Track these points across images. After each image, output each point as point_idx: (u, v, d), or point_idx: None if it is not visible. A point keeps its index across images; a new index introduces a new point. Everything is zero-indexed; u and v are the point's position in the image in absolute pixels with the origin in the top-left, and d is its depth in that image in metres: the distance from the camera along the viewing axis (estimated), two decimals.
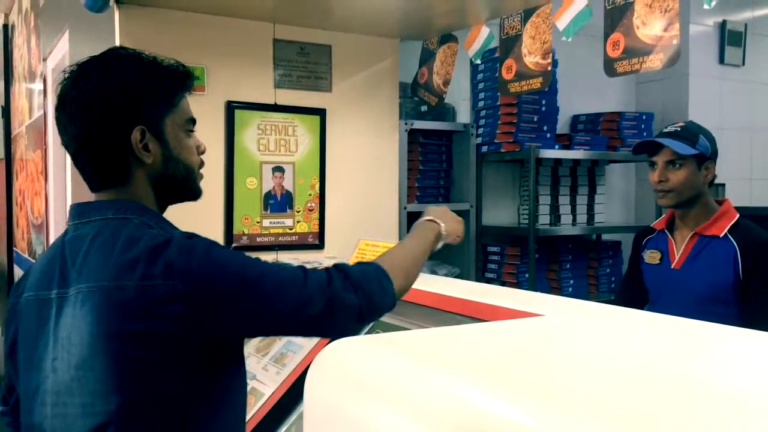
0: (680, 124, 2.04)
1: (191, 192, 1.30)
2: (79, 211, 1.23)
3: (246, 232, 2.42)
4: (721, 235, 1.97)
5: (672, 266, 2.05)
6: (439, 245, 1.48)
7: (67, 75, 1.22)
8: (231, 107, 2.38)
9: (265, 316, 1.18)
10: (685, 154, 1.96)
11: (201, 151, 1.31)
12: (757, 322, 1.72)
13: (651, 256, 2.11)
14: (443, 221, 1.47)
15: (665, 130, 2.04)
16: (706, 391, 0.80)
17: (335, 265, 1.25)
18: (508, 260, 3.35)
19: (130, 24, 2.23)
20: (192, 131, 1.29)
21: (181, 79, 1.25)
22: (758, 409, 0.73)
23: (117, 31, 2.22)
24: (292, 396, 1.82)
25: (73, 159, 1.24)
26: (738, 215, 2.02)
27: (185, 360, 1.13)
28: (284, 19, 2.44)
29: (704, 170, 2.00)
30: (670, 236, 2.09)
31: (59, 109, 1.21)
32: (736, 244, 1.95)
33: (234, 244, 2.39)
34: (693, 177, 1.98)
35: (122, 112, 1.18)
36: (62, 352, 1.15)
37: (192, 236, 1.19)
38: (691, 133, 2.00)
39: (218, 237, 2.36)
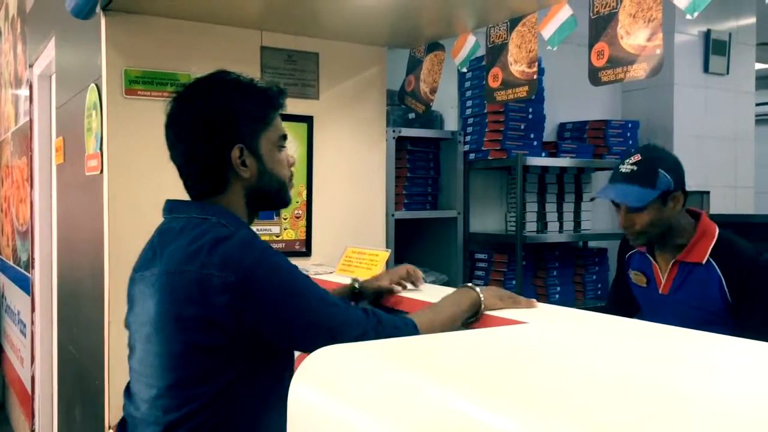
0: (636, 158, 1.87)
1: (282, 202, 1.44)
2: (170, 207, 1.38)
3: None
4: (704, 262, 1.88)
5: (660, 291, 1.98)
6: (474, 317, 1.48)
7: (174, 95, 1.36)
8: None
9: (304, 326, 1.25)
10: (644, 204, 1.83)
11: (291, 164, 1.43)
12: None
13: (637, 278, 2.06)
14: (483, 292, 1.49)
15: (621, 171, 1.88)
16: (692, 398, 0.80)
17: (372, 310, 1.34)
18: (495, 267, 3.36)
19: (116, 31, 2.22)
20: (283, 146, 1.41)
21: (274, 99, 1.39)
22: (743, 416, 0.73)
23: (103, 38, 2.21)
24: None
25: (179, 171, 1.37)
26: (717, 232, 1.91)
27: (232, 351, 1.23)
28: (271, 27, 2.44)
29: (671, 202, 1.86)
30: (653, 260, 2.00)
31: (168, 126, 1.36)
32: (719, 270, 1.85)
33: None
34: (659, 215, 1.86)
35: (223, 132, 1.32)
36: (139, 327, 1.31)
37: (256, 236, 1.30)
38: (649, 171, 1.83)
39: None
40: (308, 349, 1.34)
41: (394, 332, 1.29)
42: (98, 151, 2.28)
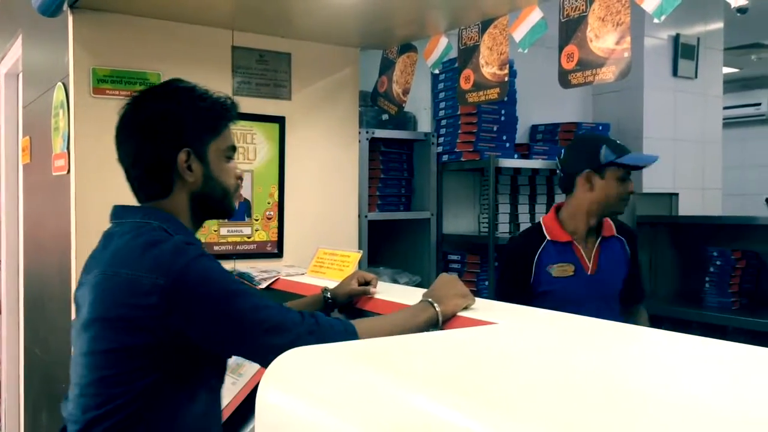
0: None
1: (225, 210, 1.46)
2: (116, 212, 1.41)
3: (203, 240, 2.39)
4: (616, 234, 2.21)
5: (588, 273, 2.14)
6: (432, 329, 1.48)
7: (129, 100, 1.40)
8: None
9: (233, 329, 1.26)
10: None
11: (238, 176, 1.46)
12: (629, 300, 2.25)
13: (562, 270, 2.14)
14: (443, 303, 1.48)
15: (621, 143, 2.18)
16: (659, 397, 0.81)
17: (312, 313, 1.35)
18: (468, 268, 3.37)
19: (84, 29, 2.19)
20: (231, 157, 1.44)
21: (226, 110, 1.42)
22: (706, 415, 0.74)
23: (71, 36, 2.18)
24: (249, 407, 1.79)
25: (126, 173, 1.40)
26: None
27: (157, 353, 1.25)
28: (243, 27, 2.43)
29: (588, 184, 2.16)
30: (576, 245, 2.15)
31: (118, 129, 1.39)
32: (623, 238, 2.23)
33: None
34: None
35: (171, 135, 1.35)
36: (78, 325, 1.34)
37: (193, 244, 1.32)
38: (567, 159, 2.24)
39: None
40: (241, 353, 1.35)
41: (331, 336, 1.29)
42: (65, 150, 2.24)
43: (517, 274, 2.16)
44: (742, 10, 4.68)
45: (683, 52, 4.03)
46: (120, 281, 1.26)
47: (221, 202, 1.43)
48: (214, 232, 2.41)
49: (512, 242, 2.46)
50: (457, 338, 1.17)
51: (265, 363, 1.40)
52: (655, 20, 1.67)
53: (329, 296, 1.81)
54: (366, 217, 2.99)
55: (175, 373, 1.27)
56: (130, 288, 1.24)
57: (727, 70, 5.18)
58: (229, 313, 1.25)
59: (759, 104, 6.73)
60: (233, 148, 1.45)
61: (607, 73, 1.84)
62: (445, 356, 1.04)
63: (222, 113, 1.41)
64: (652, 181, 3.91)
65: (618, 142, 2.17)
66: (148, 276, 1.23)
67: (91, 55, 2.20)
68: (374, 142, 3.07)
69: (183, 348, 1.26)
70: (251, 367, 1.88)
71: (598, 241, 2.17)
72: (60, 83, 2.30)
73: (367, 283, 1.80)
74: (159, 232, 1.31)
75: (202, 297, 1.24)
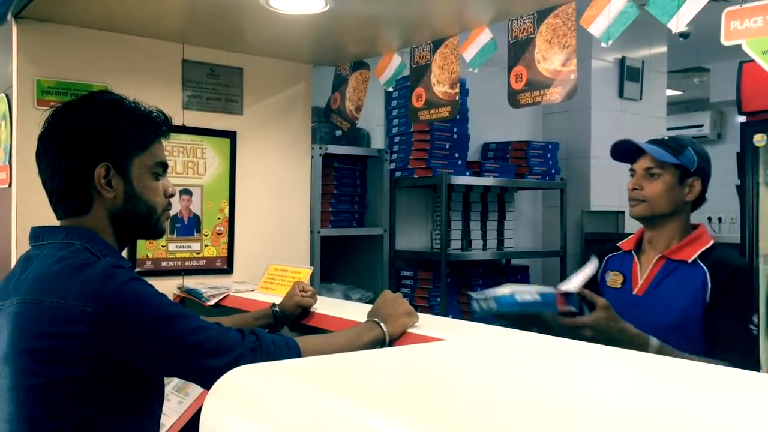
0: (669, 135, 1.91)
1: (152, 231, 1.38)
2: (35, 234, 1.33)
3: (150, 256, 2.34)
4: (690, 261, 1.77)
5: (634, 292, 1.85)
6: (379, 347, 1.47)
7: (50, 112, 1.33)
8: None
9: (171, 354, 1.20)
10: (665, 162, 1.78)
11: (169, 194, 1.39)
12: (718, 352, 1.66)
13: (614, 279, 1.92)
14: (389, 322, 1.47)
15: (653, 138, 1.89)
16: (602, 414, 0.83)
17: (252, 330, 1.30)
18: (420, 284, 3.39)
19: (29, 39, 2.13)
20: (161, 174, 1.37)
21: (155, 125, 1.35)
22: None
23: (14, 47, 2.12)
24: (194, 426, 1.76)
25: (44, 187, 1.34)
26: (713, 241, 1.82)
27: (90, 383, 1.17)
28: (194, 41, 2.40)
29: (686, 186, 1.80)
30: (636, 258, 1.89)
31: (38, 140, 1.33)
32: (706, 269, 1.74)
33: (137, 269, 2.30)
34: (670, 190, 1.79)
35: (88, 148, 1.28)
36: None
37: (123, 267, 1.24)
38: (679, 143, 1.81)
39: None
40: (183, 376, 1.30)
41: (274, 354, 1.26)
42: (7, 163, 2.18)
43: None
44: (684, 35, 4.86)
45: (629, 74, 4.16)
46: (44, 309, 1.17)
47: (146, 222, 1.35)
48: (162, 248, 2.36)
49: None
50: (405, 355, 1.17)
51: (207, 385, 1.36)
52: (603, 44, 1.72)
53: (278, 310, 1.79)
54: (318, 233, 2.98)
55: (111, 403, 1.20)
56: (56, 317, 1.16)
57: (670, 92, 5.36)
58: (165, 338, 1.19)
59: (701, 126, 6.98)
60: (162, 165, 1.37)
61: (554, 94, 1.88)
62: (392, 373, 1.04)
63: (149, 128, 1.34)
64: (599, 199, 4.01)
65: None
66: (75, 303, 1.16)
67: (36, 66, 2.15)
68: (327, 158, 3.07)
69: (117, 377, 1.19)
70: (197, 387, 1.84)
71: (656, 259, 1.83)
72: (2, 94, 2.24)
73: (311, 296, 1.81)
74: (84, 254, 1.24)
75: (134, 323, 1.18)
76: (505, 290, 1.61)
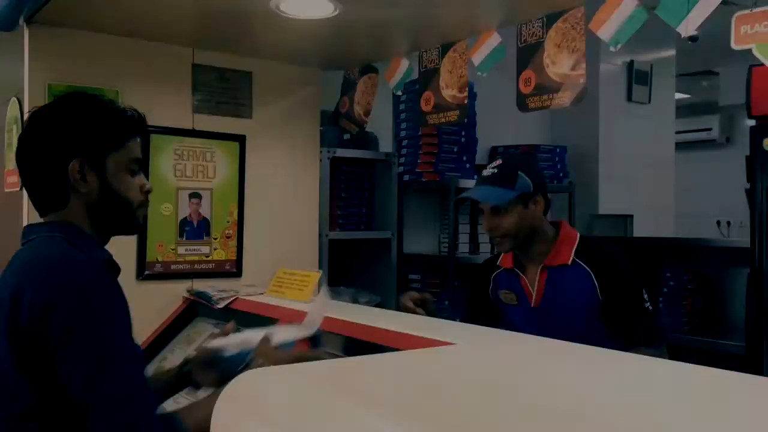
0: (498, 162, 1.98)
1: (129, 226, 1.43)
2: (25, 231, 1.38)
3: (160, 259, 2.35)
4: (570, 262, 1.91)
5: (532, 305, 1.96)
6: None
7: (29, 113, 1.38)
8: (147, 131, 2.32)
9: (85, 369, 1.17)
10: (503, 203, 1.90)
11: (145, 190, 1.42)
12: (642, 341, 1.80)
13: (507, 297, 2.03)
14: None
15: (484, 174, 1.97)
16: (606, 419, 0.83)
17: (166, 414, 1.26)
18: (428, 288, 3.38)
19: (40, 44, 2.15)
20: (136, 171, 1.40)
21: (131, 123, 1.39)
22: None
23: (26, 52, 2.14)
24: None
25: (24, 186, 1.40)
26: (578, 235, 1.98)
27: (29, 369, 1.20)
28: (204, 45, 2.42)
29: (532, 205, 1.93)
30: (521, 274, 2.00)
31: (18, 141, 1.38)
32: (587, 267, 1.89)
33: (147, 272, 2.31)
34: (522, 217, 1.92)
35: (62, 143, 1.32)
36: None
37: (95, 264, 1.27)
38: (509, 172, 1.93)
39: (130, 264, 2.28)
40: (81, 397, 1.18)
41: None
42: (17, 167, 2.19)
43: (477, 289, 2.16)
44: (692, 38, 4.84)
45: (637, 78, 4.16)
46: (4, 298, 1.23)
47: (121, 216, 1.40)
48: (171, 251, 2.38)
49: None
50: (413, 359, 1.18)
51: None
52: (611, 48, 1.72)
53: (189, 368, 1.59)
54: (327, 236, 2.99)
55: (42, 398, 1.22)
56: (13, 304, 1.21)
57: (679, 95, 5.34)
58: (87, 355, 1.18)
59: (710, 129, 6.95)
60: (138, 161, 1.41)
61: (563, 98, 1.88)
62: (403, 377, 1.04)
63: (124, 124, 1.39)
64: (607, 203, 4.00)
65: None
66: (30, 290, 1.21)
67: (48, 70, 2.16)
68: (336, 162, 3.08)
69: (50, 376, 1.19)
70: (208, 390, 1.84)
71: (539, 271, 1.95)
72: (14, 98, 2.25)
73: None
74: (62, 244, 1.29)
75: (70, 324, 1.19)
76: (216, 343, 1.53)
